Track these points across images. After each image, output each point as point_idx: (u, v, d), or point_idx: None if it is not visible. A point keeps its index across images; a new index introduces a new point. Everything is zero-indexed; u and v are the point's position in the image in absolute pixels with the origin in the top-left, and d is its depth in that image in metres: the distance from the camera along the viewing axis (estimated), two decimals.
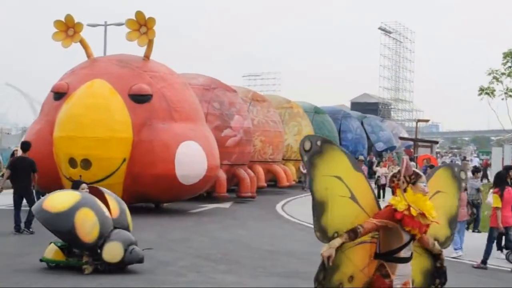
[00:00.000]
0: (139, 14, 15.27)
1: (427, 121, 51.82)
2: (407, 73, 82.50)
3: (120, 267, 8.40)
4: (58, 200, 8.32)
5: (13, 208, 11.97)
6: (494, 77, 25.62)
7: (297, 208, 18.30)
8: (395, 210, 4.60)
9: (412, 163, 24.55)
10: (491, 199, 10.61)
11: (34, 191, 12.39)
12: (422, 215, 4.61)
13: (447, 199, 5.36)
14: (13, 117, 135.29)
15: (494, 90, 25.87)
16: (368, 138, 37.95)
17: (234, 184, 20.41)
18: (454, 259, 10.65)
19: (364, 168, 23.98)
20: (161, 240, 11.35)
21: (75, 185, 9.13)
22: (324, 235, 4.61)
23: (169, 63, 16.77)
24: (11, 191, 12.18)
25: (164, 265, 9.05)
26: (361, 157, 26.44)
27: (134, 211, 10.55)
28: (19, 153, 12.91)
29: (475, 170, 14.06)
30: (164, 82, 15.45)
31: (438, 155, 46.53)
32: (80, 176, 13.06)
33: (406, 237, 4.64)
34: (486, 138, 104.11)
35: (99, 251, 8.27)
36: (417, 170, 4.82)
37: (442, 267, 5.13)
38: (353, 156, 4.99)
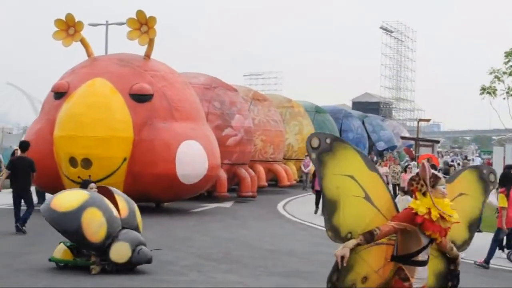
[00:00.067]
0: (140, 13, 15.24)
1: (428, 120, 51.72)
2: (409, 72, 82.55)
3: (128, 268, 8.36)
4: (65, 200, 8.28)
5: (13, 207, 11.96)
6: (496, 77, 25.52)
7: (298, 208, 18.29)
8: (416, 213, 4.53)
9: (413, 163, 24.53)
10: (492, 199, 10.56)
11: (36, 190, 12.35)
12: (443, 218, 4.55)
13: (470, 201, 5.25)
14: (15, 117, 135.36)
15: (496, 90, 25.77)
16: (369, 137, 37.95)
17: (235, 183, 20.39)
18: None
19: None
20: (162, 239, 11.33)
21: (84, 185, 9.09)
22: (336, 234, 4.53)
23: (170, 62, 16.78)
24: (10, 190, 12.17)
25: (166, 265, 9.02)
26: None
27: None
28: (19, 152, 12.89)
29: None
30: (165, 81, 15.43)
31: (439, 154, 46.46)
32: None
33: (424, 241, 4.59)
34: (488, 138, 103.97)
35: (106, 251, 8.22)
36: (436, 173, 4.72)
37: (456, 270, 5.06)
38: (366, 155, 4.88)
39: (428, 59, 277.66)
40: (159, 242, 10.73)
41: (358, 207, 4.59)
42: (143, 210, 15.07)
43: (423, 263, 4.64)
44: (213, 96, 19.14)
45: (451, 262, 5.03)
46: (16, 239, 11.13)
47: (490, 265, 10.28)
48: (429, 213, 4.51)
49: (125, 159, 14.35)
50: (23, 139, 14.56)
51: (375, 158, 34.44)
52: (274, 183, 23.38)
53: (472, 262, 10.24)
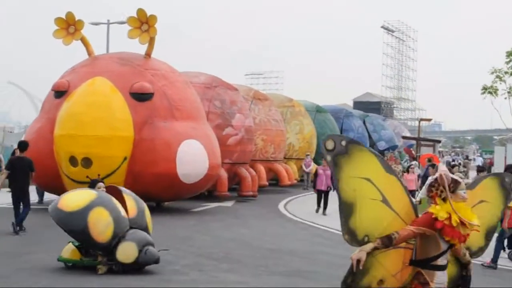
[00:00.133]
0: (140, 11, 15.19)
1: (429, 120, 51.72)
2: (410, 72, 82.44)
3: (135, 268, 8.30)
4: (72, 199, 8.24)
5: (12, 207, 11.93)
6: (497, 76, 25.47)
7: (299, 207, 18.25)
8: (436, 219, 4.48)
9: (414, 162, 24.49)
10: None
11: (36, 188, 12.30)
12: (463, 224, 4.51)
13: (490, 209, 5.21)
14: (16, 116, 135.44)
15: (497, 89, 25.72)
16: (370, 137, 37.88)
17: (236, 183, 20.36)
18: None
19: None
20: (163, 239, 11.26)
21: (92, 184, 9.03)
22: (353, 238, 4.49)
23: (171, 62, 16.73)
24: (8, 189, 12.14)
25: (167, 264, 8.98)
26: None
27: None
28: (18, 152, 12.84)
29: (480, 170, 13.96)
30: (166, 80, 15.39)
31: (440, 154, 46.41)
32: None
33: (444, 246, 4.55)
34: (489, 137, 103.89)
35: (113, 251, 8.16)
36: (456, 177, 4.65)
37: (468, 275, 5.01)
38: (384, 158, 4.83)
39: (430, 59, 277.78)
40: (160, 241, 10.64)
41: (376, 210, 4.55)
42: None
43: (442, 268, 4.59)
44: (213, 95, 19.11)
45: (463, 267, 4.99)
46: (16, 239, 11.09)
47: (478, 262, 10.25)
48: (449, 218, 4.46)
49: (125, 158, 14.31)
50: (23, 138, 14.52)
51: None
52: (275, 182, 23.35)
53: (480, 264, 10.15)
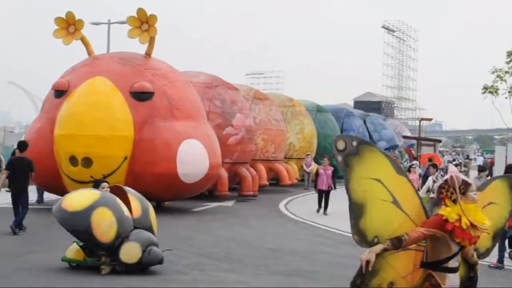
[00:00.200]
0: (140, 11, 15.16)
1: (430, 119, 51.67)
2: (410, 71, 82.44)
3: (139, 268, 8.26)
4: (76, 199, 8.21)
5: (12, 207, 11.92)
6: (498, 76, 25.44)
7: (300, 207, 18.23)
8: (446, 220, 4.46)
9: (415, 162, 24.44)
10: None
11: (36, 188, 12.27)
12: (473, 226, 4.48)
13: (498, 211, 5.20)
14: (16, 115, 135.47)
15: (498, 89, 25.70)
16: (370, 136, 37.84)
17: (236, 182, 20.33)
18: None
19: None
20: (163, 239, 11.21)
21: (96, 184, 9.00)
22: (363, 239, 4.48)
23: (171, 62, 16.71)
24: (7, 189, 12.13)
25: (167, 264, 8.94)
26: None
27: None
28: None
29: (481, 169, 13.91)
30: (166, 80, 15.37)
31: (441, 154, 46.36)
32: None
33: (455, 248, 4.52)
34: (490, 137, 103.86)
35: (116, 251, 8.12)
36: (466, 179, 4.63)
37: (475, 276, 4.99)
38: (394, 160, 4.82)
39: (430, 58, 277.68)
40: (160, 241, 10.57)
41: (386, 211, 4.53)
42: None
43: (454, 270, 4.57)
44: (214, 95, 19.08)
45: (470, 268, 4.96)
46: (16, 239, 11.08)
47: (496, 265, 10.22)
48: (459, 220, 4.44)
49: (125, 158, 14.29)
50: (23, 138, 14.50)
51: None
52: (275, 182, 23.33)
53: (487, 265, 10.06)
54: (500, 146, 30.91)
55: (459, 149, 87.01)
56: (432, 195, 11.48)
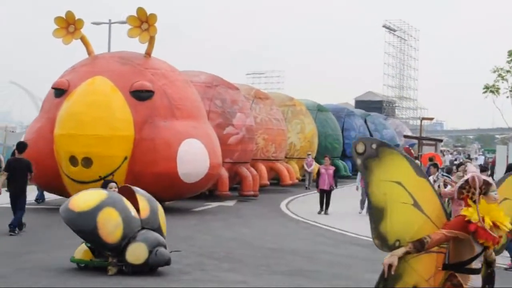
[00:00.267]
0: (140, 10, 15.11)
1: (431, 119, 51.51)
2: (411, 71, 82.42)
3: (146, 269, 8.21)
4: (82, 200, 8.16)
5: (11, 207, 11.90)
6: (499, 75, 25.42)
7: (301, 207, 18.19)
8: (468, 221, 4.42)
9: (417, 162, 24.45)
10: None
11: (37, 188, 12.21)
12: (496, 226, 4.45)
13: (511, 206, 5.14)
14: (17, 115, 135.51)
15: (499, 88, 25.69)
16: (371, 136, 37.83)
17: (237, 182, 20.29)
18: None
19: None
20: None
21: (104, 184, 8.94)
22: (384, 243, 4.46)
23: (171, 62, 16.66)
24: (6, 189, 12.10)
25: None
26: None
27: None
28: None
29: (482, 169, 13.87)
30: (166, 79, 15.33)
31: (441, 153, 46.28)
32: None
33: (478, 249, 4.49)
34: (491, 136, 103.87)
35: (123, 252, 8.07)
36: (487, 179, 4.60)
37: (492, 272, 4.95)
38: (415, 162, 4.77)
39: (431, 58, 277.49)
40: None
41: (406, 214, 4.50)
42: None
43: (477, 271, 4.53)
44: (214, 95, 19.05)
45: (488, 265, 4.92)
46: (16, 238, 11.05)
47: (501, 266, 10.12)
48: (482, 221, 4.40)
49: (125, 158, 14.26)
50: (22, 139, 14.47)
51: None
52: (276, 182, 23.29)
53: (504, 268, 9.93)
54: (501, 145, 30.89)
55: (460, 148, 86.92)
56: None
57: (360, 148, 4.45)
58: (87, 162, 13.96)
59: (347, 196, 20.12)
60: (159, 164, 14.27)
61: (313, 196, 19.42)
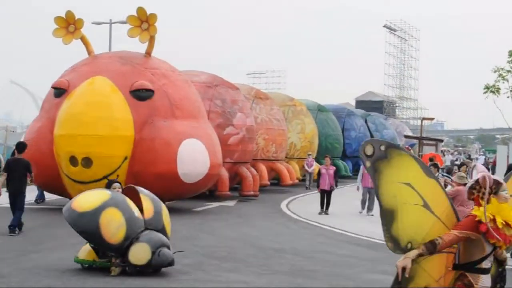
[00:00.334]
0: (140, 10, 15.08)
1: (432, 119, 51.53)
2: (412, 71, 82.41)
3: (149, 270, 8.17)
4: (85, 200, 8.14)
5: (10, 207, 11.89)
6: (500, 75, 25.40)
7: (302, 207, 18.17)
8: (480, 221, 4.41)
9: None
10: None
11: (37, 188, 12.17)
12: (508, 225, 4.43)
13: None
14: (18, 116, 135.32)
15: (499, 88, 25.67)
16: (371, 136, 37.79)
17: (237, 182, 20.28)
18: None
19: None
20: None
21: (108, 185, 8.89)
22: (396, 245, 4.44)
23: (171, 61, 16.65)
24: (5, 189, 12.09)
25: None
26: None
27: None
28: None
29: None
30: (166, 79, 15.31)
31: (442, 153, 46.24)
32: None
33: (488, 248, 4.48)
34: (491, 136, 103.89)
35: (126, 252, 8.04)
36: (498, 178, 4.58)
37: (504, 271, 4.97)
38: (424, 162, 4.77)
39: (432, 58, 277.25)
40: None
41: (417, 215, 4.48)
42: None
43: (486, 271, 4.52)
44: (214, 94, 19.03)
45: (499, 264, 4.93)
46: (16, 238, 11.03)
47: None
48: (493, 220, 4.38)
49: (125, 158, 14.23)
50: (23, 139, 14.44)
51: None
52: (276, 182, 23.28)
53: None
54: (502, 145, 30.88)
55: (460, 148, 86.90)
56: None
57: (369, 150, 4.42)
58: (87, 162, 13.94)
59: (347, 196, 20.11)
60: (159, 164, 14.24)
61: (314, 196, 19.40)
